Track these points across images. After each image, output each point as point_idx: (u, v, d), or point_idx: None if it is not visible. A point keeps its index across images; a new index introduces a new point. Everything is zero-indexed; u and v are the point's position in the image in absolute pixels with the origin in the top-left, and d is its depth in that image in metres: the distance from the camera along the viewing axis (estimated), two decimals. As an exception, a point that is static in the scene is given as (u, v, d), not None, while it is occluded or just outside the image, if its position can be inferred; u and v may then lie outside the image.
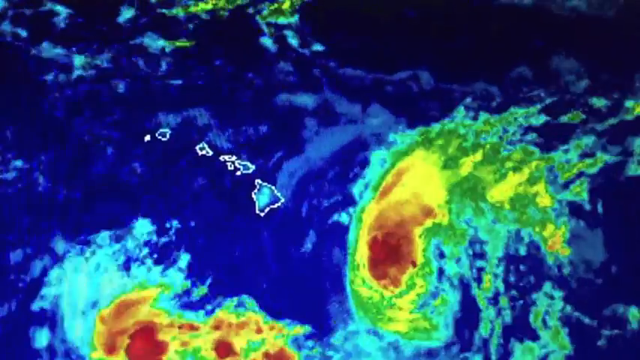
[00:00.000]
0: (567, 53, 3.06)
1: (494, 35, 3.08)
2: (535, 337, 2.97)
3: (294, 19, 3.10)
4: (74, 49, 3.03)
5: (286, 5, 3.10)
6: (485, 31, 3.08)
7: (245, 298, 2.97)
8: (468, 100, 3.07)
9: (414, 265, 3.03)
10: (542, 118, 3.06)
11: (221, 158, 3.05)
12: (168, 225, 2.99)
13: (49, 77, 3.01)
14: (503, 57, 3.09)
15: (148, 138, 3.03)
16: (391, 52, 3.09)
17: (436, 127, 3.07)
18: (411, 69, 3.08)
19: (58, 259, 2.92)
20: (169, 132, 3.04)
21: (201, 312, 2.96)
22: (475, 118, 3.07)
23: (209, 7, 3.08)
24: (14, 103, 2.98)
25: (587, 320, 2.94)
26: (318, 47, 3.10)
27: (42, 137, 2.97)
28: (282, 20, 3.10)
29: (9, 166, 2.95)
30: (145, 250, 2.97)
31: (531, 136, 3.06)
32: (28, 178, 2.95)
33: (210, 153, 3.05)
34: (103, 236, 2.95)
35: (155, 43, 3.06)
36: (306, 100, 3.09)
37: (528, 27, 3.07)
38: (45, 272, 2.91)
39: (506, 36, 3.08)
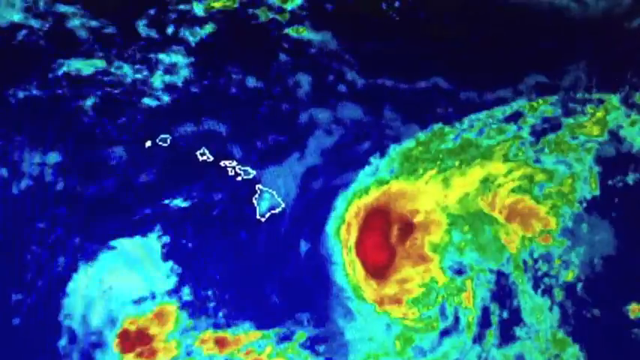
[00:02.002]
0: (581, 56, 3.06)
1: (507, 39, 3.07)
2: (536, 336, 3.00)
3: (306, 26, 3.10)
4: (93, 55, 3.04)
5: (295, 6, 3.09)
6: (499, 35, 3.07)
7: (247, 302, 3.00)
8: (482, 104, 3.07)
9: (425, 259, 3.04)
10: (554, 121, 3.07)
11: (221, 164, 3.06)
12: (171, 230, 3.02)
13: (69, 82, 3.02)
14: (517, 61, 3.08)
15: (148, 144, 3.05)
16: (405, 57, 3.08)
17: (447, 131, 3.08)
18: (426, 75, 3.07)
19: (76, 260, 2.96)
20: (170, 138, 3.06)
21: (203, 315, 2.99)
22: (487, 123, 3.08)
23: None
24: (34, 105, 3.00)
25: (591, 317, 2.97)
26: (330, 50, 3.11)
27: (59, 138, 3.00)
28: (296, 33, 3.10)
29: (27, 164, 2.97)
30: (147, 255, 3.00)
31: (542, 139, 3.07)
32: (44, 179, 2.97)
33: (211, 158, 3.06)
34: (108, 241, 2.99)
35: (173, 52, 3.07)
36: (319, 106, 3.10)
37: (543, 30, 3.06)
38: (64, 271, 2.95)
39: (519, 39, 3.07)
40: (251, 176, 3.07)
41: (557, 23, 3.05)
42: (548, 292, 2.99)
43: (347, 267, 3.05)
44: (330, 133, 3.09)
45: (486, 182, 3.05)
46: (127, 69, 3.05)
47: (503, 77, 3.07)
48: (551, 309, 2.98)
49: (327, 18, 3.09)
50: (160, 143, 3.05)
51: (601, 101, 3.05)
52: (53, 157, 2.98)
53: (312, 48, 3.09)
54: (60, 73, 3.02)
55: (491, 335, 3.00)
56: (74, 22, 3.03)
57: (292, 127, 3.09)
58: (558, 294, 2.99)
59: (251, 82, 3.09)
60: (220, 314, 2.99)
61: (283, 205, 3.06)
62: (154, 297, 2.98)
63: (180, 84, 3.07)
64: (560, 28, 3.05)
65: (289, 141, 3.08)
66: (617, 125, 3.05)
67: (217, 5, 3.08)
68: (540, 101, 3.05)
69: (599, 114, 3.04)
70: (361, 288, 3.04)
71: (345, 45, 3.09)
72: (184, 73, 3.07)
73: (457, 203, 3.05)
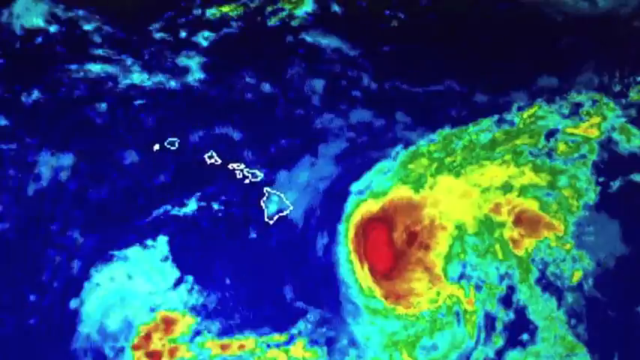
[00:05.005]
0: (595, 54, 3.12)
1: (519, 41, 3.15)
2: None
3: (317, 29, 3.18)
4: (107, 58, 3.10)
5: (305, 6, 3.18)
6: (511, 37, 3.16)
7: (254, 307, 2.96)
8: (493, 107, 3.13)
9: (430, 272, 3.03)
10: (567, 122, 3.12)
11: (230, 167, 3.07)
12: (176, 234, 3.00)
13: (84, 85, 3.08)
14: (530, 63, 3.13)
15: (157, 147, 3.06)
16: (417, 61, 3.15)
17: (458, 135, 3.12)
18: (437, 78, 3.14)
19: (88, 264, 2.96)
20: (178, 141, 3.07)
21: (209, 319, 2.95)
22: (501, 125, 3.12)
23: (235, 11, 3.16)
24: (48, 108, 3.04)
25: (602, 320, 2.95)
26: (340, 54, 3.17)
27: (73, 141, 3.04)
28: (307, 35, 3.17)
29: (41, 168, 3.00)
30: (155, 258, 2.98)
31: (556, 138, 3.11)
32: (56, 180, 2.99)
33: (219, 162, 3.07)
34: (120, 246, 2.97)
35: (184, 55, 3.13)
36: (326, 106, 3.14)
37: (555, 30, 3.15)
38: (79, 273, 2.94)
39: (531, 41, 3.15)
40: (259, 179, 3.07)
41: (567, 24, 3.14)
42: (556, 294, 2.98)
43: (356, 269, 3.03)
44: (343, 137, 3.12)
45: (493, 187, 3.08)
46: (139, 72, 3.09)
47: (514, 79, 3.14)
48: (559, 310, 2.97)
49: (337, 22, 3.17)
50: (168, 146, 3.06)
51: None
52: (67, 160, 3.00)
53: (323, 52, 3.16)
54: (74, 76, 3.06)
55: (498, 338, 2.97)
56: (88, 27, 3.09)
57: (305, 131, 3.12)
58: (567, 296, 2.97)
59: (264, 86, 3.13)
60: (230, 317, 2.95)
61: (292, 208, 3.05)
62: (166, 303, 2.94)
63: (192, 87, 3.11)
64: (570, 29, 3.14)
65: (301, 145, 3.10)
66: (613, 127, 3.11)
67: (226, 10, 3.16)
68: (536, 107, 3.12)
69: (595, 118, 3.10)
70: (369, 289, 3.02)
71: (357, 49, 3.16)
72: (197, 76, 3.12)
73: (463, 208, 3.07)
